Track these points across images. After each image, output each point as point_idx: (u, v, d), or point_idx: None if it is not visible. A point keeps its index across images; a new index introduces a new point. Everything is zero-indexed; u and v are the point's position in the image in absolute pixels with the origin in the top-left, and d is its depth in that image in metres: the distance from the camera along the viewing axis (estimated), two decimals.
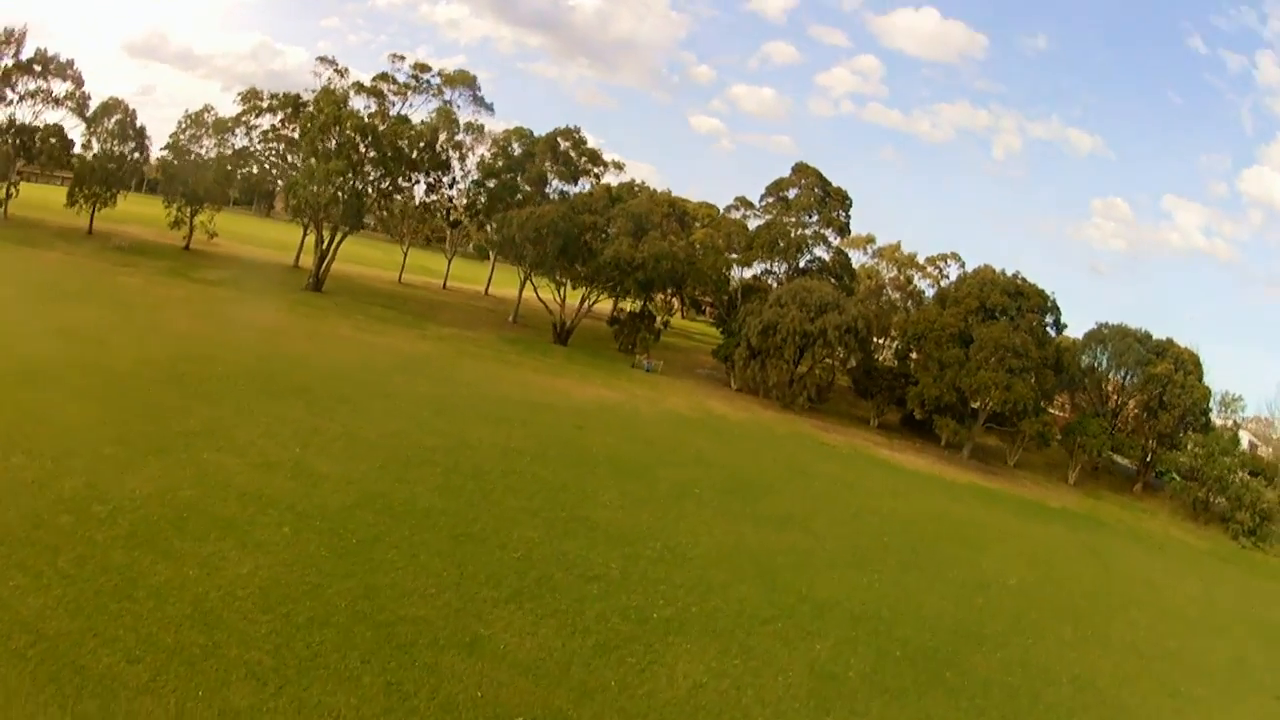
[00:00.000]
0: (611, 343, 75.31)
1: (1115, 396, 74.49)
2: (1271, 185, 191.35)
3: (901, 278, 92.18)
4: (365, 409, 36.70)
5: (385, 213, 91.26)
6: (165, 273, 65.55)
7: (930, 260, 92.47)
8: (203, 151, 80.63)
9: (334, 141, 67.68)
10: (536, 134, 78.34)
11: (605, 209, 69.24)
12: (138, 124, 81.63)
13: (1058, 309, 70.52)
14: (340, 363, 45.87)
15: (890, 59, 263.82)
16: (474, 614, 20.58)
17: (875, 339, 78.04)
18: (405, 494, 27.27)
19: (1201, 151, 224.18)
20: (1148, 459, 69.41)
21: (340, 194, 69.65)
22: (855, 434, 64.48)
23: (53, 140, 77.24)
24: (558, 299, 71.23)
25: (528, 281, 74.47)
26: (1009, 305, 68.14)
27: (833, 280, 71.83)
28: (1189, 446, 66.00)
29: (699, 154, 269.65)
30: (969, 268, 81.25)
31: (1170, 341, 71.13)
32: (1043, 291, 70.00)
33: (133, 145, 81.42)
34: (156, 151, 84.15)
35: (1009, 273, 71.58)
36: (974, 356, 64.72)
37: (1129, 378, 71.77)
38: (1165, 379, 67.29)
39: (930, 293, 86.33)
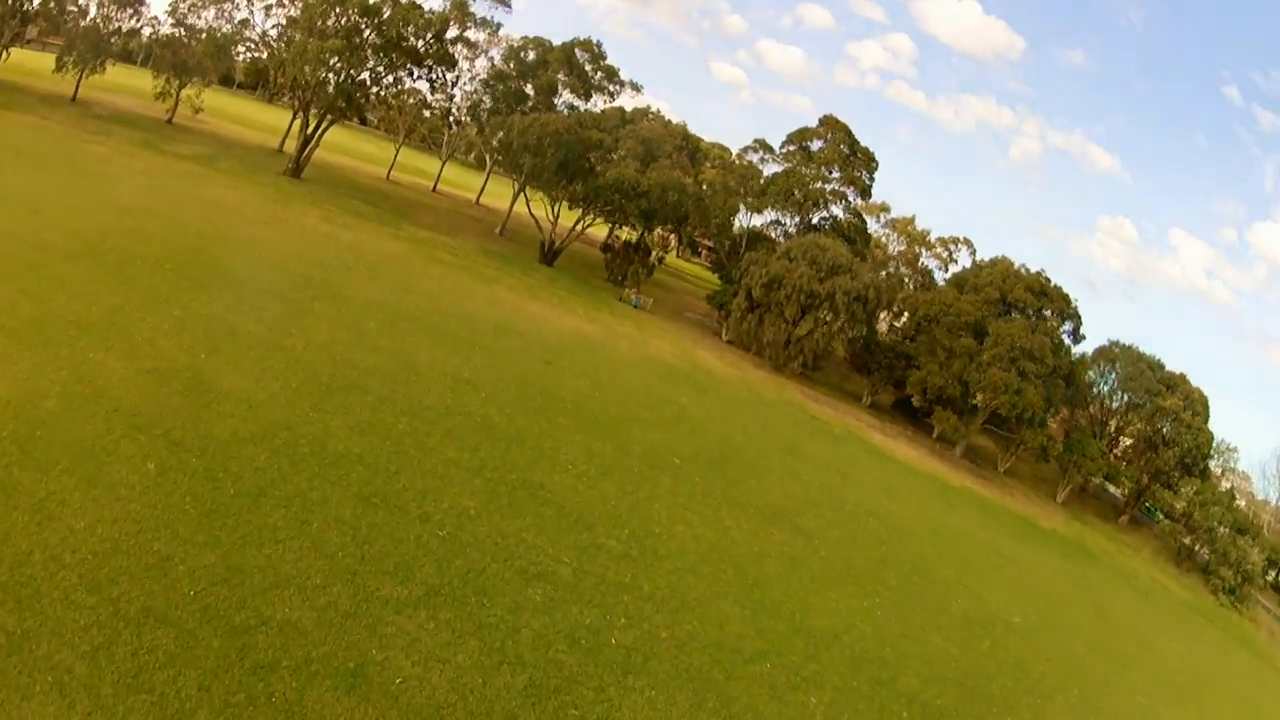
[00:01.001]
0: (600, 271, 68.66)
1: (1116, 420, 69.67)
2: None
3: (910, 253, 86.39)
4: (300, 311, 30.15)
5: (385, 106, 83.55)
6: (137, 144, 57.72)
7: (941, 241, 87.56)
8: (202, 23, 72.45)
9: (334, 21, 59.87)
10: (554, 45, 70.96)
11: (615, 129, 61.97)
12: None
13: (1079, 317, 65.60)
14: (290, 254, 39.04)
15: (924, 42, 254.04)
16: (368, 623, 14.60)
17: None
18: (316, 429, 20.95)
19: (1217, 195, 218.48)
20: (1140, 493, 65.18)
21: (333, 75, 62.09)
22: (846, 410, 59.12)
23: (50, 5, 70.35)
24: (550, 216, 64.36)
25: (521, 194, 67.50)
26: (1031, 303, 63.53)
27: (845, 242, 65.47)
28: (1184, 490, 63.40)
29: (716, 101, 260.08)
30: (979, 256, 77.87)
31: (1183, 377, 66.55)
32: (1067, 296, 65.32)
33: (130, 12, 73.42)
34: (166, 26, 75.71)
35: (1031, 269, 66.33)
36: (987, 351, 59.63)
37: (1133, 404, 67.15)
38: (1173, 414, 63.30)
39: (939, 275, 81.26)
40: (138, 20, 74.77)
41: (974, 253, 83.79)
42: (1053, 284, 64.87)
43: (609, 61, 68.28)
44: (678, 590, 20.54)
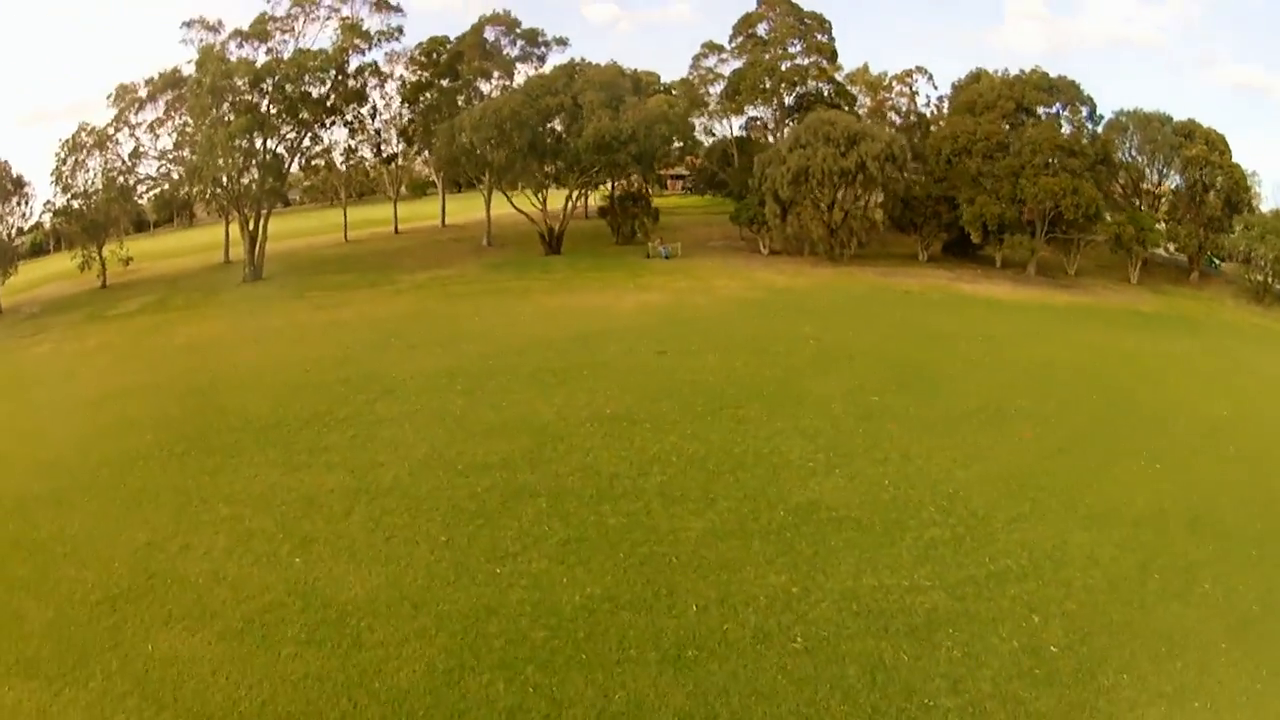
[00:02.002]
0: (607, 238, 59.42)
1: (1147, 185, 62.49)
2: None
3: (877, 101, 77.72)
4: (370, 430, 21.36)
5: (310, 178, 73.52)
6: (80, 323, 47.67)
7: (898, 78, 79.37)
8: (91, 176, 60.02)
9: (228, 104, 50.26)
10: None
11: (565, 88, 52.41)
12: (14, 173, 59.53)
13: (1092, 101, 57.48)
14: (307, 363, 29.95)
15: None
16: None
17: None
18: (529, 590, 12.98)
19: None
20: (1200, 246, 58.90)
21: (252, 160, 52.67)
22: (918, 273, 51.72)
23: None
24: (537, 204, 55.37)
25: (494, 194, 58.27)
26: (1045, 101, 56.22)
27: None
28: (1239, 229, 57.33)
29: (600, 43, 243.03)
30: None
31: (1193, 122, 59.37)
32: (1075, 83, 57.05)
33: (16, 199, 61.13)
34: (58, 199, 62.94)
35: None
36: (1028, 162, 52.56)
37: (1164, 165, 60.09)
38: (1203, 161, 56.64)
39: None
40: (27, 205, 63.12)
41: (930, 78, 76.40)
42: (1059, 76, 57.28)
43: (528, 26, 58.33)
44: (1113, 586, 14.46)
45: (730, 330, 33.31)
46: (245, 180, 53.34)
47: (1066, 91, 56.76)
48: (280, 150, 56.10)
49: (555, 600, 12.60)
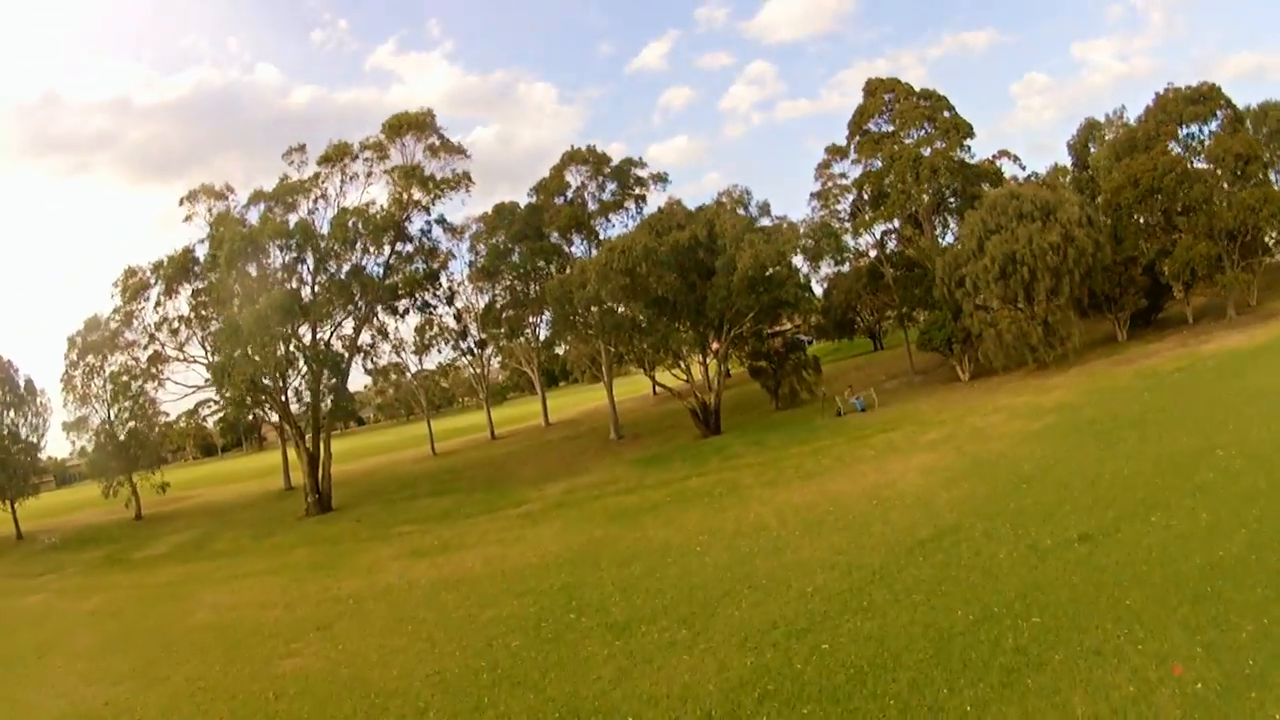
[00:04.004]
0: (756, 405, 44.94)
1: None
2: None
3: None
4: None
5: (382, 390, 61.58)
6: (96, 567, 34.75)
7: (987, 164, 69.06)
8: (104, 383, 49.01)
9: (256, 283, 38.21)
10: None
11: (688, 221, 39.53)
12: (20, 376, 49.20)
13: (1233, 104, 47.23)
14: (423, 683, 13.63)
15: (777, 55, 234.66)
16: None
17: None
18: None
19: (1064, 40, 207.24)
20: None
21: (296, 352, 40.36)
22: (1151, 353, 38.66)
23: None
24: (681, 375, 41.60)
25: (611, 368, 44.73)
26: (1203, 115, 46.66)
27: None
28: None
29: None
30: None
31: None
32: (1216, 86, 47.30)
33: (23, 411, 49.25)
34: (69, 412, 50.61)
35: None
36: (1215, 185, 43.40)
37: None
38: None
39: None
40: (39, 419, 49.72)
41: (1016, 159, 66.40)
42: (1205, 84, 46.66)
43: (618, 163, 46.43)
44: None
45: (1097, 477, 18.10)
46: (294, 381, 40.44)
47: (1214, 98, 46.77)
48: (336, 344, 43.42)
49: None
